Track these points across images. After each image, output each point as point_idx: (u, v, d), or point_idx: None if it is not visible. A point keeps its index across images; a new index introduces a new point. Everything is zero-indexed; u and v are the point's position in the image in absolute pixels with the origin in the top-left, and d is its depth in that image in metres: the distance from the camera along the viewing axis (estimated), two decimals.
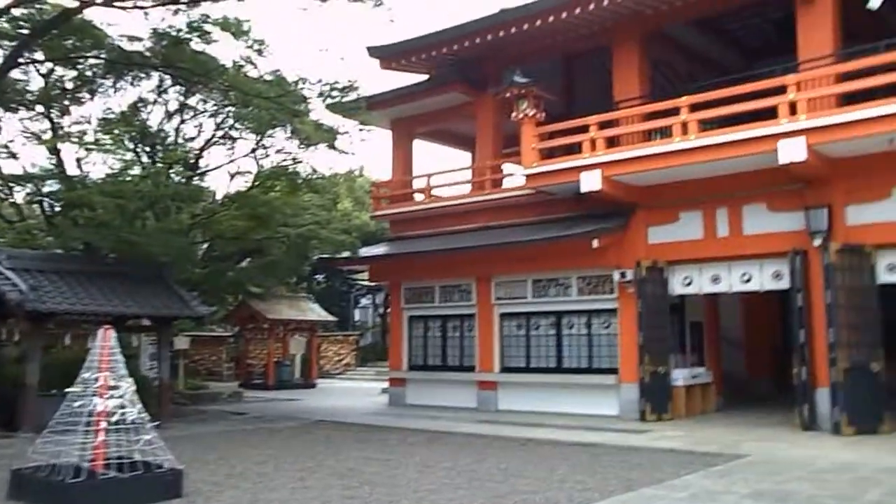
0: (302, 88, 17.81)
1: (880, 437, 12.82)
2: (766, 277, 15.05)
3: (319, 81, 17.71)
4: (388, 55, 19.58)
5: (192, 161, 21.14)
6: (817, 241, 13.85)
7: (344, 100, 17.96)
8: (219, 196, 22.49)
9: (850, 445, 11.99)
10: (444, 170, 21.29)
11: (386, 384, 21.84)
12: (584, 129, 15.99)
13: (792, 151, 13.10)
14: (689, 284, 16.00)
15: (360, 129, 18.74)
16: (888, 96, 12.53)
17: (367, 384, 29.05)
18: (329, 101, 17.92)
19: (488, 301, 18.69)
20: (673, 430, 14.16)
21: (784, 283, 14.62)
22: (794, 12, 14.75)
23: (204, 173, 21.76)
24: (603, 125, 15.90)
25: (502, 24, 17.18)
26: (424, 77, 20.40)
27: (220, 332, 32.40)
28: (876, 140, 12.87)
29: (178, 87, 19.60)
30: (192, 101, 20.21)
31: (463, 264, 18.54)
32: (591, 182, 15.48)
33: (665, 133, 15.19)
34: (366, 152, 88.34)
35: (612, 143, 15.84)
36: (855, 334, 13.33)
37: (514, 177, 18.91)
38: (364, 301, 43.60)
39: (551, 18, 16.31)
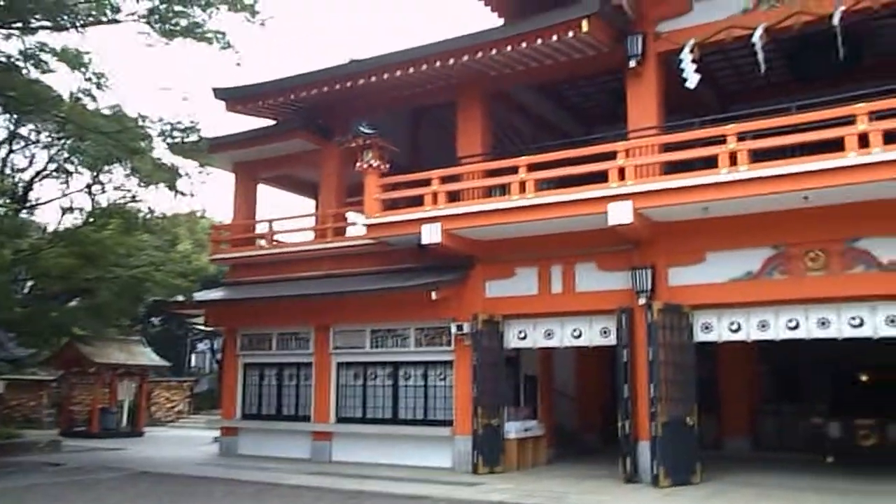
0: (142, 126, 17.21)
1: (692, 487, 13.51)
2: (595, 333, 15.67)
3: (161, 120, 17.18)
4: (234, 98, 19.22)
5: (20, 193, 19.95)
6: (642, 300, 14.56)
7: (185, 140, 17.47)
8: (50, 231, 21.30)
9: (667, 497, 12.56)
10: (286, 216, 21.02)
11: (218, 433, 21.10)
12: (426, 182, 16.29)
13: (619, 214, 13.81)
14: (523, 338, 16.43)
15: (201, 171, 18.22)
16: (705, 168, 13.51)
17: (199, 433, 27.93)
18: (170, 140, 17.40)
19: (326, 350, 18.47)
20: (503, 482, 14.37)
21: (611, 340, 15.22)
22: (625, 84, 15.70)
23: (33, 207, 20.58)
24: (445, 179, 16.24)
25: (350, 75, 17.28)
26: (271, 122, 20.21)
27: (41, 375, 30.33)
28: (693, 207, 13.75)
29: (8, 116, 18.55)
30: (23, 130, 19.20)
31: (301, 312, 18.30)
32: (431, 235, 15.74)
33: (505, 190, 15.67)
34: (212, 194, 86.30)
35: (453, 197, 16.16)
36: (674, 389, 14.00)
37: (358, 226, 18.88)
38: (201, 346, 42.19)
39: (398, 73, 16.61)
